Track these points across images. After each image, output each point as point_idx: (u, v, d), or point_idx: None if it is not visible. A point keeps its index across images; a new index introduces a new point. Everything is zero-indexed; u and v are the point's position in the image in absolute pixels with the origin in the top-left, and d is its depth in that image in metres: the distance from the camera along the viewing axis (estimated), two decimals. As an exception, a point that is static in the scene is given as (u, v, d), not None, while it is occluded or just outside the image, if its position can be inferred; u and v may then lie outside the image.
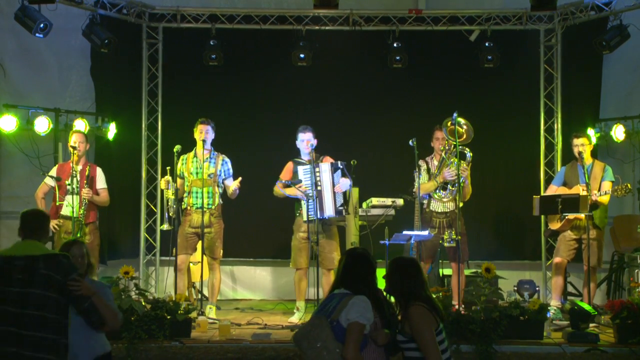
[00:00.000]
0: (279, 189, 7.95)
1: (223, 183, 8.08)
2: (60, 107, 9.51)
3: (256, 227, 9.87)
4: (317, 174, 7.87)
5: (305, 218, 7.85)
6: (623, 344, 6.66)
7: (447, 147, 8.07)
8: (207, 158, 8.02)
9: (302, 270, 8.03)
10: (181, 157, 8.08)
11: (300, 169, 7.94)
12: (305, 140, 8.02)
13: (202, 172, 7.93)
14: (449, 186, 8.04)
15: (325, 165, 7.94)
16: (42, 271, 4.22)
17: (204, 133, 7.98)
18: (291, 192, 7.90)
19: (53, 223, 7.79)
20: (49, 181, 8.07)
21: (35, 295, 4.18)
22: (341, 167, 7.94)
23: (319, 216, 7.77)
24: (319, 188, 7.84)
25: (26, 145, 9.44)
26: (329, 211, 7.87)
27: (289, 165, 8.13)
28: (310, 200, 7.76)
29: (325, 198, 7.88)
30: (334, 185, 7.91)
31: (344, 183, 7.94)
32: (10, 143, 9.54)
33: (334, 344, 4.11)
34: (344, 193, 8.04)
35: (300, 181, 7.85)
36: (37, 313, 4.17)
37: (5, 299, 4.18)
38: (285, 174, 8.08)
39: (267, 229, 9.79)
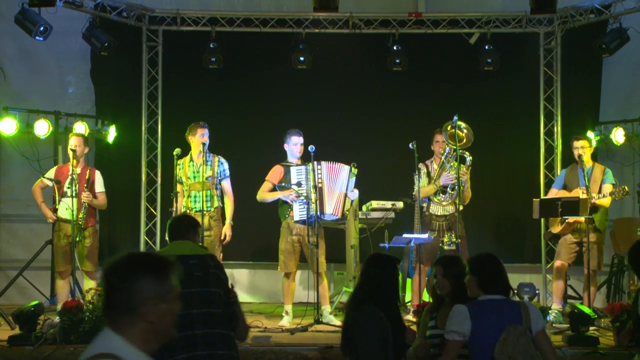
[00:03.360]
0: (266, 194, 7.96)
1: (220, 184, 8.07)
2: (60, 110, 9.52)
3: (256, 230, 9.86)
4: (319, 174, 7.87)
5: (297, 218, 7.84)
6: (623, 347, 6.65)
7: (446, 151, 8.08)
8: (203, 161, 8.01)
9: (292, 273, 8.02)
10: (178, 162, 8.05)
11: (293, 170, 7.89)
12: (299, 144, 8.02)
13: (200, 175, 7.93)
14: (449, 190, 8.05)
15: (344, 169, 7.97)
16: (212, 270, 4.29)
17: (205, 137, 7.99)
18: (281, 195, 7.85)
19: (51, 217, 8.02)
20: (46, 180, 8.09)
21: (216, 293, 4.24)
22: (356, 174, 7.99)
23: (322, 216, 7.78)
24: (320, 185, 7.84)
25: (26, 148, 9.45)
26: (330, 209, 7.87)
27: (278, 168, 8.05)
28: (303, 201, 7.75)
29: (329, 198, 7.88)
30: (347, 189, 7.94)
31: (356, 191, 8.01)
32: (10, 146, 9.55)
33: (537, 354, 3.94)
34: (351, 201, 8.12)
35: (290, 186, 7.82)
36: (218, 311, 4.23)
37: (191, 302, 4.07)
38: (274, 177, 8.02)
39: (267, 232, 9.76)
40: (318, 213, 7.74)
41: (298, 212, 7.83)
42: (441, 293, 4.62)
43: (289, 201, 7.84)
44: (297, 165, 7.98)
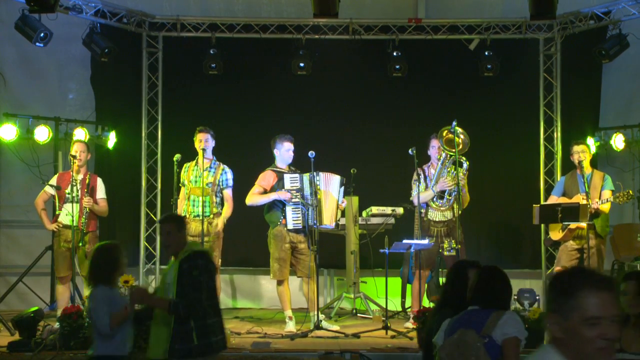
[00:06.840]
0: (258, 196, 7.87)
1: (222, 193, 8.05)
2: (60, 116, 9.53)
3: (256, 235, 9.82)
4: (318, 184, 7.84)
5: (291, 227, 7.81)
6: (622, 352, 6.64)
7: (443, 157, 8.07)
8: (207, 167, 8.00)
9: (286, 280, 7.97)
10: (184, 165, 8.04)
11: (287, 177, 7.86)
12: (291, 150, 8.00)
13: (201, 181, 7.92)
14: (446, 195, 8.04)
15: (336, 179, 7.94)
16: None
17: (203, 142, 7.96)
18: (277, 195, 7.79)
19: (52, 226, 7.96)
20: (48, 189, 8.08)
21: None
22: (345, 184, 7.98)
23: (317, 225, 7.75)
24: (319, 197, 7.82)
25: (26, 154, 9.45)
26: (328, 221, 7.86)
27: (270, 173, 7.97)
28: (297, 209, 7.72)
29: (326, 209, 7.87)
30: (338, 200, 7.93)
31: (345, 202, 8.00)
32: (10, 152, 9.56)
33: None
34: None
35: (301, 190, 7.82)
36: None
37: None
38: (266, 182, 7.95)
39: (266, 238, 9.77)
40: (316, 223, 7.70)
41: (292, 220, 7.78)
42: (631, 312, 4.23)
43: (286, 202, 7.76)
44: (289, 172, 7.95)
